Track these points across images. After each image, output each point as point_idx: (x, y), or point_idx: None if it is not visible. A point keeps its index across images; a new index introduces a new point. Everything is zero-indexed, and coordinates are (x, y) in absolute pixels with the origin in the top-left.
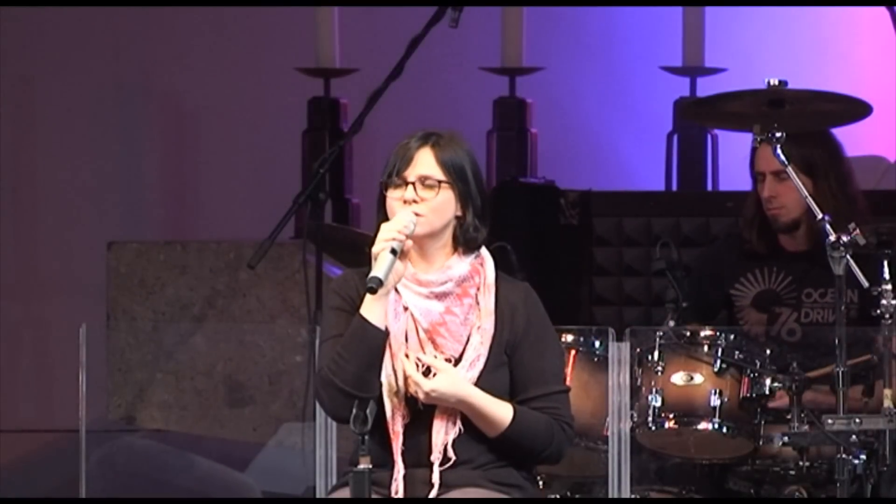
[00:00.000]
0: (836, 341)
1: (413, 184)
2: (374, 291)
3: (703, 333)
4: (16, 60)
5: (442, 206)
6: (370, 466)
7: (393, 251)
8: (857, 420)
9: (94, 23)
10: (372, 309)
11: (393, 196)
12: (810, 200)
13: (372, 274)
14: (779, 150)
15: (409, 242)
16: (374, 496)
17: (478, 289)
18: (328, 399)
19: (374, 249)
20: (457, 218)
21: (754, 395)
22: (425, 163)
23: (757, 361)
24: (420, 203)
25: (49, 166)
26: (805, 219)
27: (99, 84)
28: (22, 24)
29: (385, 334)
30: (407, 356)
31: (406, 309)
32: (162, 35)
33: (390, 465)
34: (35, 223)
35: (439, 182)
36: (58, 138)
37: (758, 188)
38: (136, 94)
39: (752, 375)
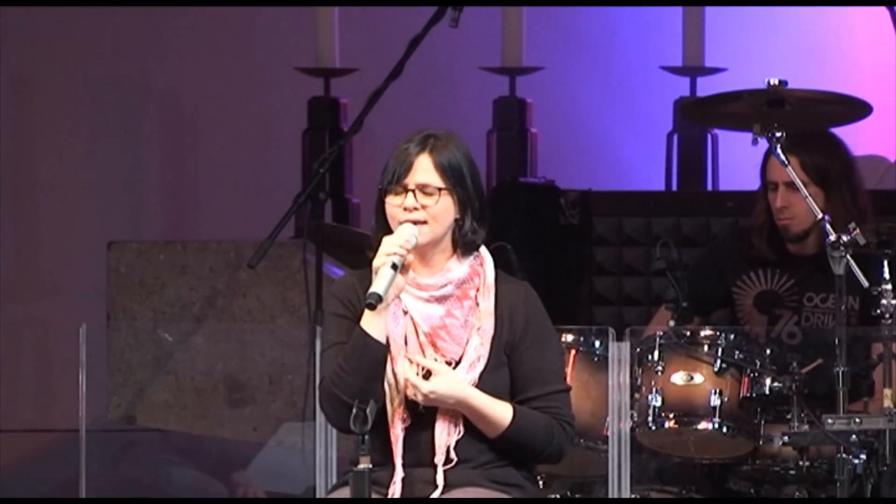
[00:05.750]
0: (836, 341)
1: (413, 191)
2: (373, 308)
3: (703, 333)
4: (16, 60)
5: (442, 212)
6: (370, 466)
7: (394, 266)
8: (857, 420)
9: (94, 23)
10: (372, 322)
11: (393, 203)
12: (810, 200)
13: (371, 290)
14: (779, 150)
15: (411, 257)
16: (374, 496)
17: (477, 290)
18: (332, 411)
19: (376, 263)
20: (455, 220)
21: (754, 394)
22: (424, 169)
23: (757, 361)
24: (421, 210)
25: (49, 166)
26: (815, 228)
27: (99, 84)
28: (22, 24)
29: (385, 347)
30: (410, 360)
31: (406, 313)
32: (162, 35)
33: (390, 466)
34: (35, 223)
35: (439, 189)
36: (58, 138)
37: (769, 197)
38: (136, 93)
39: (752, 375)
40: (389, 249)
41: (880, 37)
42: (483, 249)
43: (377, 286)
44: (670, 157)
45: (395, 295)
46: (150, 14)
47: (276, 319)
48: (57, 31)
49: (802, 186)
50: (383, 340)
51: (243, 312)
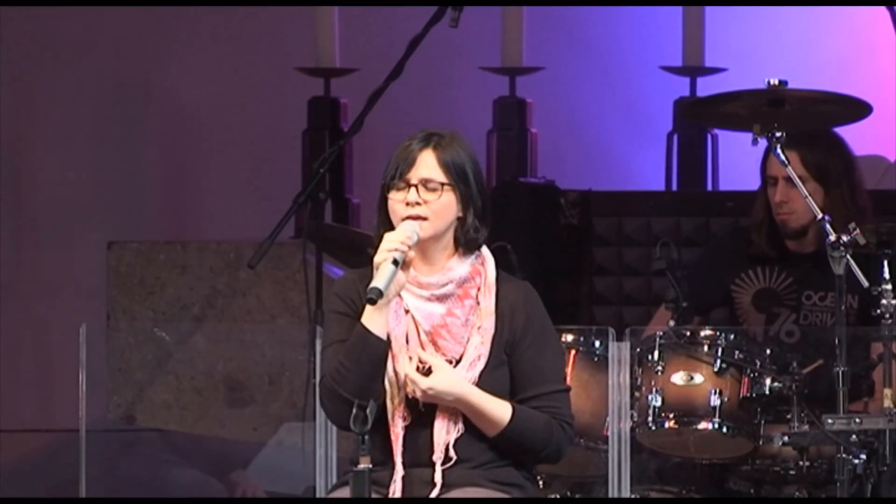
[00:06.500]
0: (836, 341)
1: (416, 186)
2: (373, 303)
3: (703, 333)
4: (16, 60)
5: (444, 208)
6: (370, 466)
7: (395, 262)
8: (857, 420)
9: (94, 23)
10: (373, 318)
11: (395, 198)
12: (810, 200)
13: (372, 284)
14: (779, 150)
15: (412, 253)
16: (374, 496)
17: (478, 289)
18: (332, 408)
19: (377, 259)
20: (458, 219)
21: (754, 395)
22: (427, 165)
23: (757, 361)
24: (423, 205)
25: (49, 166)
26: (814, 225)
27: (99, 84)
28: (22, 24)
29: (386, 344)
30: (409, 357)
31: (407, 311)
32: (162, 35)
33: (390, 465)
34: (35, 223)
35: (442, 185)
36: (58, 138)
37: (768, 192)
38: (136, 94)
39: (752, 375)
40: (391, 245)
41: (880, 37)
42: (485, 249)
43: (378, 281)
44: (670, 157)
45: (396, 291)
46: (150, 14)
47: (276, 319)
48: (57, 31)
49: (801, 185)
50: (384, 337)
51: (243, 312)
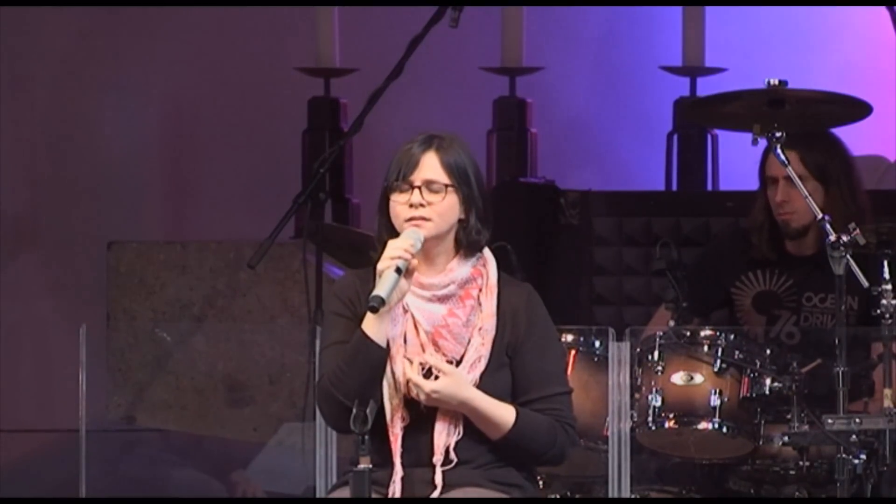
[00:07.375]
0: (836, 341)
1: (419, 188)
2: (375, 311)
3: (703, 333)
4: (16, 60)
5: (447, 209)
6: (370, 466)
7: (398, 270)
8: (857, 420)
9: (94, 23)
10: (373, 325)
11: (398, 200)
12: (810, 200)
13: (375, 293)
14: (779, 150)
15: (415, 262)
16: (374, 496)
17: (480, 290)
18: (328, 411)
19: (380, 266)
20: (459, 221)
21: (754, 394)
22: (430, 166)
23: (757, 361)
24: (426, 207)
25: (49, 166)
26: (814, 225)
27: (99, 84)
28: (22, 24)
29: (386, 351)
30: (406, 359)
31: (406, 311)
32: (162, 35)
33: (389, 466)
34: (35, 223)
35: (445, 186)
36: (57, 137)
37: (768, 192)
38: (136, 94)
39: (752, 375)
40: (394, 253)
41: (880, 37)
42: (487, 251)
43: (380, 290)
44: (670, 157)
45: (399, 299)
46: (150, 14)
47: (276, 319)
48: (57, 32)
49: (801, 185)
50: (384, 344)
51: (243, 312)
